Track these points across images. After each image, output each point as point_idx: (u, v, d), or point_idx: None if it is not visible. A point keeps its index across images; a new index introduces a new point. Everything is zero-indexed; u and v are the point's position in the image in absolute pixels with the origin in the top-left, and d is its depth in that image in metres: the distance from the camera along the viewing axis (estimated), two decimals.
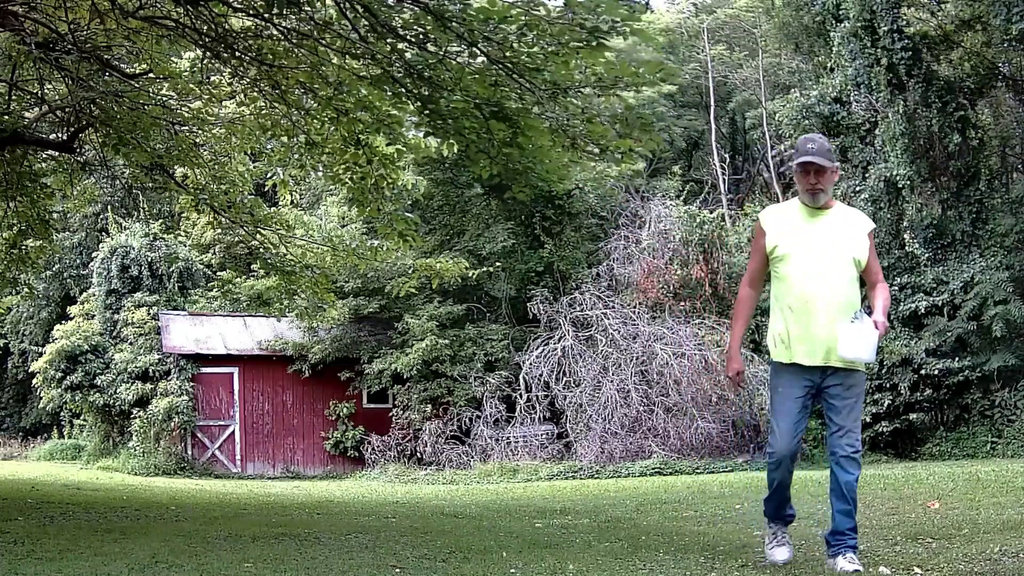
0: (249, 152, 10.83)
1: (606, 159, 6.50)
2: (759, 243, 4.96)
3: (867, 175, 18.85)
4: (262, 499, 11.20)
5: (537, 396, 18.41)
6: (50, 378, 21.24)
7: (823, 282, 4.70)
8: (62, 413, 25.30)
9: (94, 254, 23.73)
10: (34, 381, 22.50)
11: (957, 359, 17.22)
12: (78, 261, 27.87)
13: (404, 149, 8.44)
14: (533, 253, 20.97)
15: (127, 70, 8.82)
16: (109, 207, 24.87)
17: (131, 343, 21.12)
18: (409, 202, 18.05)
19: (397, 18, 6.12)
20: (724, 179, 28.54)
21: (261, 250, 10.70)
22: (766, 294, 5.27)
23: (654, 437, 17.29)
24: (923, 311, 17.71)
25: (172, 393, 19.94)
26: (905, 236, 18.33)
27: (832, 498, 4.66)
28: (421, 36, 6.12)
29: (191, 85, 8.79)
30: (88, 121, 9.05)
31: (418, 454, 19.18)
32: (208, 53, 7.95)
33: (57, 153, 10.22)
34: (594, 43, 5.44)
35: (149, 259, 22.18)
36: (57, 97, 9.06)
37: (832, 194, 4.88)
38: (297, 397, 21.21)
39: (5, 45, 8.22)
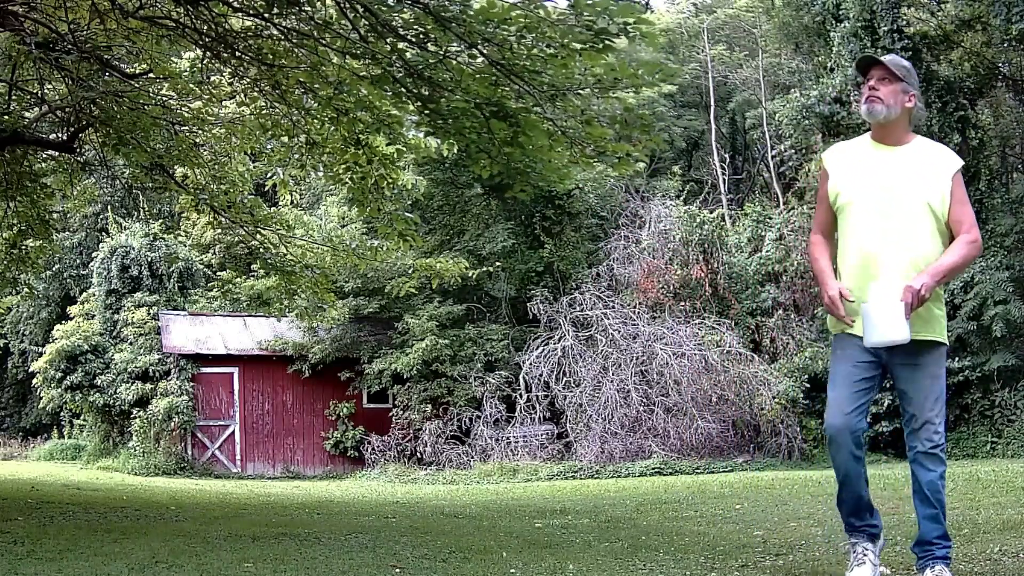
0: (249, 152, 10.83)
1: (605, 162, 6.50)
2: (823, 190, 4.13)
3: None
4: (262, 499, 11.20)
5: (537, 396, 18.41)
6: (50, 378, 21.24)
7: (888, 237, 3.85)
8: (62, 413, 25.31)
9: (94, 254, 23.73)
10: (34, 381, 22.50)
11: (957, 359, 17.23)
12: (78, 261, 27.87)
13: (404, 149, 8.45)
14: (533, 253, 20.97)
15: (127, 70, 8.82)
16: (109, 207, 24.88)
17: (131, 343, 21.12)
18: (409, 202, 18.05)
19: (397, 18, 6.12)
20: (724, 179, 28.55)
21: (261, 250, 10.70)
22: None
23: (654, 437, 17.29)
24: None
25: (172, 393, 19.95)
26: None
27: (915, 501, 3.96)
28: (421, 36, 6.12)
29: (191, 85, 8.79)
30: (88, 121, 9.05)
31: (418, 454, 19.18)
32: (208, 53, 7.95)
33: (57, 153, 10.22)
34: (600, 45, 5.43)
35: (149, 259, 22.18)
36: (57, 97, 9.06)
37: (910, 128, 4.00)
38: (297, 397, 21.21)
39: (5, 45, 8.23)
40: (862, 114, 3.98)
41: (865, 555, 4.00)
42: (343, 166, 8.82)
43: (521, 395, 18.59)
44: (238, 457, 20.58)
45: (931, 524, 3.90)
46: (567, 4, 5.65)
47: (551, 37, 5.63)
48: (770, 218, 21.73)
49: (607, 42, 5.41)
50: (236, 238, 11.93)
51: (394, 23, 6.13)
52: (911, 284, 3.71)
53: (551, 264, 20.76)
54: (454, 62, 6.19)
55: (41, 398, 22.38)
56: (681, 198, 22.76)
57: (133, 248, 22.15)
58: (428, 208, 21.06)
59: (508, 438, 18.35)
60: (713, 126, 29.77)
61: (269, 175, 12.26)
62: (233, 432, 20.70)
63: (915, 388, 3.91)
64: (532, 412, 18.48)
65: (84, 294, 24.01)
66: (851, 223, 3.95)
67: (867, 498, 4.03)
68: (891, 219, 3.85)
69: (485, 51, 5.94)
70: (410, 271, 12.97)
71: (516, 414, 18.62)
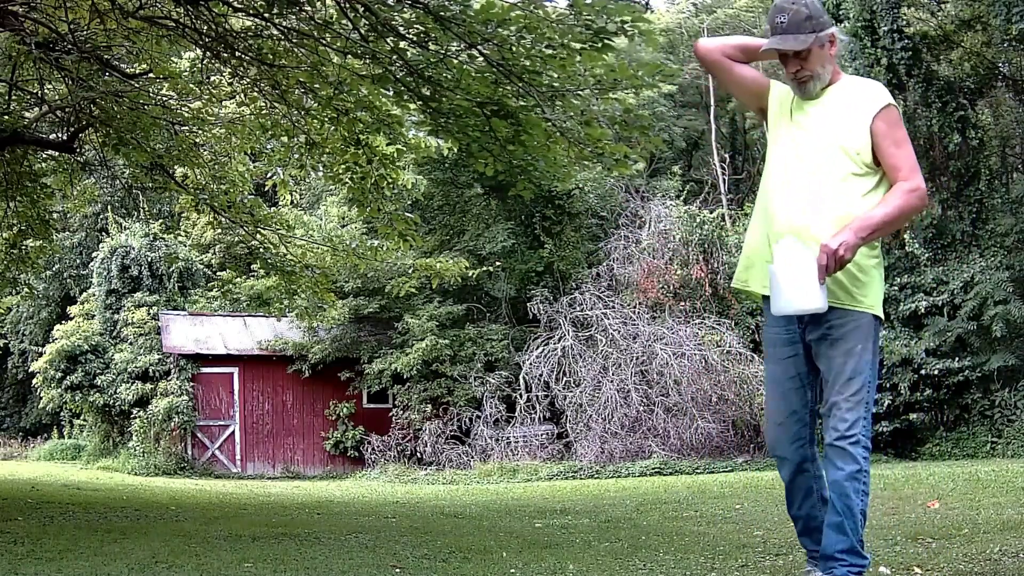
0: (249, 152, 10.83)
1: (603, 163, 6.51)
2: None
3: None
4: (262, 499, 11.20)
5: (537, 396, 18.41)
6: (50, 378, 21.24)
7: (798, 189, 3.32)
8: (62, 413, 25.31)
9: (94, 254, 23.73)
10: (34, 381, 22.50)
11: (957, 359, 17.23)
12: (78, 261, 27.87)
13: (404, 149, 8.45)
14: (533, 253, 20.97)
15: (127, 70, 8.82)
16: (109, 207, 24.87)
17: (131, 343, 21.12)
18: (409, 202, 18.06)
19: (397, 18, 6.13)
20: (724, 179, 28.54)
21: (261, 250, 10.70)
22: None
23: (654, 437, 17.29)
24: (923, 311, 17.72)
25: (172, 393, 19.95)
26: (905, 236, 18.32)
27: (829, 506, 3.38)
28: (422, 35, 6.12)
29: (191, 85, 8.79)
30: (88, 121, 9.05)
31: (418, 454, 19.18)
32: (208, 53, 7.95)
33: (57, 153, 10.22)
34: (599, 44, 5.43)
35: (149, 259, 22.18)
36: (57, 97, 9.06)
37: (835, 67, 3.46)
38: (297, 397, 21.21)
39: (5, 45, 8.22)
40: (797, 94, 3.46)
41: None
42: (343, 166, 8.82)
43: (521, 395, 18.59)
44: (238, 457, 20.59)
45: (834, 535, 3.26)
46: (566, 4, 5.66)
47: (551, 37, 5.63)
48: None
49: (606, 41, 5.41)
50: (236, 238, 11.93)
51: (394, 23, 6.13)
52: (828, 243, 3.11)
53: (551, 264, 20.76)
54: (455, 62, 6.19)
55: (41, 398, 22.38)
56: (681, 198, 22.76)
57: (133, 248, 22.15)
58: (428, 208, 21.05)
59: (508, 438, 18.35)
60: (713, 126, 29.77)
61: (269, 175, 12.25)
62: (233, 432, 20.70)
63: (827, 366, 3.31)
64: (532, 412, 18.48)
65: (84, 294, 24.00)
66: (766, 173, 3.46)
67: (823, 519, 3.42)
68: (802, 169, 3.31)
69: (485, 51, 5.94)
70: (410, 271, 12.97)
71: (516, 414, 18.62)
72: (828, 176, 3.27)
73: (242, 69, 7.96)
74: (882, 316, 3.35)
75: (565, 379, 18.41)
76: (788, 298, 3.19)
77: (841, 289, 3.25)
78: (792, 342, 3.38)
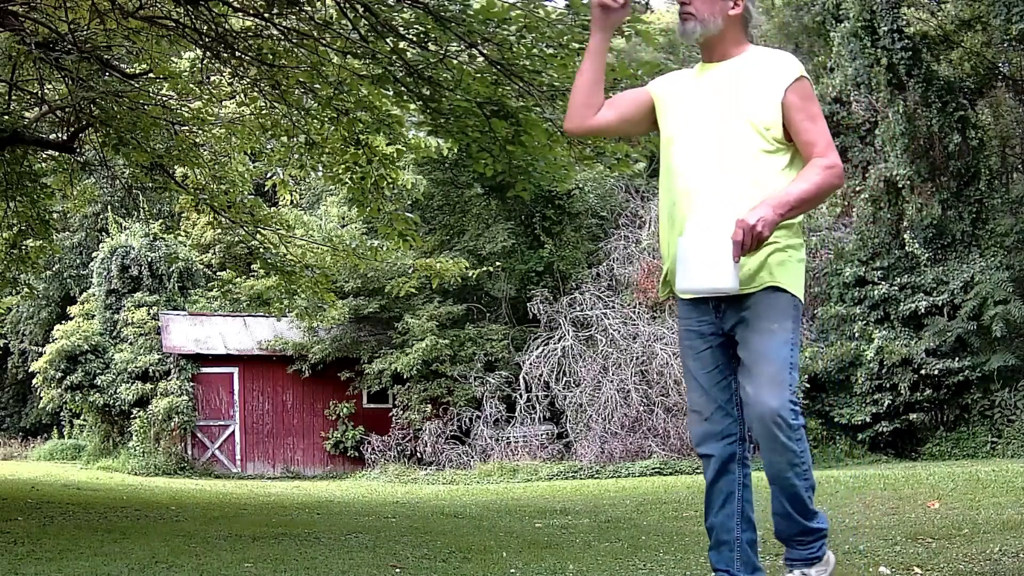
0: (249, 152, 10.83)
1: (603, 163, 6.51)
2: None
3: (867, 175, 18.87)
4: (262, 499, 11.20)
5: (537, 396, 18.41)
6: (50, 378, 21.25)
7: (707, 167, 3.04)
8: (62, 413, 25.32)
9: (94, 254, 23.74)
10: (34, 381, 22.50)
11: (957, 359, 17.23)
12: (78, 261, 27.87)
13: (404, 149, 8.45)
14: (533, 253, 20.98)
15: (127, 70, 8.82)
16: (109, 207, 24.88)
17: (131, 343, 21.13)
18: (409, 202, 18.06)
19: (397, 18, 6.13)
20: None
21: (261, 250, 10.70)
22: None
23: (654, 437, 17.29)
24: (923, 311, 17.72)
25: (172, 393, 19.95)
26: (905, 236, 18.34)
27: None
28: (421, 35, 6.12)
29: (191, 85, 8.79)
30: (88, 121, 9.05)
31: (418, 454, 19.18)
32: (208, 53, 7.95)
33: (57, 153, 10.22)
34: None
35: (149, 259, 22.19)
36: (57, 97, 9.06)
37: (745, 37, 3.18)
38: (297, 397, 21.21)
39: (5, 45, 8.22)
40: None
41: None
42: (343, 166, 8.82)
43: (521, 395, 18.59)
44: (238, 457, 20.59)
45: (782, 522, 3.17)
46: (565, 4, 5.66)
47: (550, 37, 5.64)
48: None
49: None
50: (236, 238, 11.93)
51: (394, 23, 6.13)
52: (744, 218, 2.84)
53: (551, 264, 20.76)
54: (454, 62, 6.20)
55: (41, 398, 22.39)
56: None
57: (133, 248, 22.16)
58: (428, 208, 21.06)
59: (508, 438, 18.36)
60: None
61: (269, 175, 12.27)
62: (233, 432, 20.70)
63: (746, 351, 3.05)
64: (532, 412, 18.48)
65: (84, 294, 24.01)
66: (670, 162, 3.16)
67: (738, 536, 3.21)
68: (710, 146, 3.04)
69: (485, 51, 5.94)
70: (410, 271, 12.98)
71: (516, 414, 18.62)
72: (738, 153, 3.00)
73: (242, 69, 7.96)
74: (801, 299, 3.11)
75: (565, 379, 18.41)
76: (697, 275, 2.89)
77: (758, 270, 3.02)
78: (707, 334, 3.13)
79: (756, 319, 3.03)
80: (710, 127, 3.05)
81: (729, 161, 3.01)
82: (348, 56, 6.94)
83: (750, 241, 2.85)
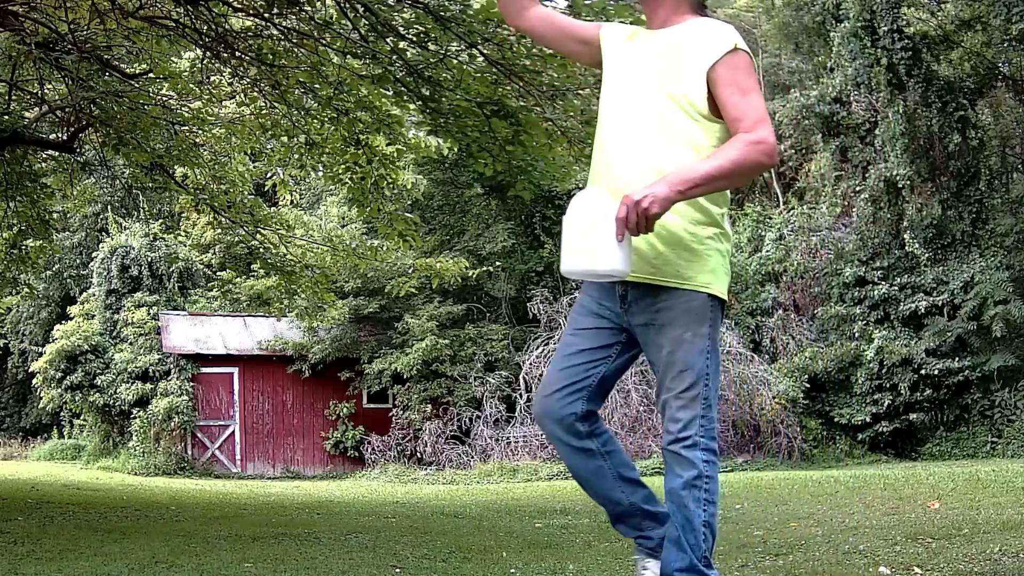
0: (249, 152, 10.83)
1: None
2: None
3: (867, 175, 18.87)
4: (262, 499, 11.20)
5: None
6: (50, 378, 21.25)
7: (624, 140, 2.81)
8: (62, 413, 25.32)
9: (94, 254, 23.74)
10: (34, 381, 22.50)
11: (957, 359, 17.23)
12: (78, 261, 27.88)
13: (404, 149, 8.45)
14: (533, 253, 20.98)
15: (127, 70, 8.82)
16: (109, 207, 24.89)
17: (131, 343, 21.13)
18: (409, 202, 18.06)
19: (397, 18, 6.13)
20: None
21: (261, 250, 10.70)
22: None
23: (654, 437, 17.29)
24: (923, 311, 17.72)
25: (172, 393, 19.95)
26: (905, 236, 18.34)
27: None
28: (421, 35, 6.12)
29: (191, 85, 8.79)
30: (88, 121, 9.05)
31: (418, 454, 19.18)
32: (208, 53, 7.95)
33: (57, 153, 10.22)
34: None
35: (149, 259, 22.19)
36: (57, 97, 9.06)
37: (689, 5, 2.90)
38: (297, 397, 21.21)
39: (5, 45, 8.22)
40: None
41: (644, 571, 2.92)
42: (343, 166, 8.82)
43: (521, 395, 18.59)
44: (238, 457, 20.59)
45: (673, 550, 2.76)
46: (566, 4, 5.65)
47: None
48: (770, 218, 21.74)
49: None
50: (236, 238, 11.92)
51: (394, 23, 6.13)
52: (631, 194, 2.52)
53: (551, 264, 20.76)
54: (454, 61, 6.20)
55: (41, 398, 22.39)
56: None
57: (133, 248, 22.16)
58: (428, 208, 21.06)
59: (508, 438, 18.36)
60: None
61: (269, 175, 12.26)
62: (233, 432, 20.70)
63: (655, 357, 2.81)
64: (532, 412, 18.49)
65: (84, 294, 24.01)
66: (601, 123, 2.93)
67: (629, 501, 2.93)
68: (629, 118, 2.81)
69: (485, 51, 5.94)
70: (410, 271, 12.98)
71: (516, 414, 18.62)
72: (662, 128, 2.75)
73: (242, 69, 7.96)
74: (723, 296, 2.82)
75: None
76: (576, 256, 2.57)
77: (668, 264, 2.73)
78: (603, 317, 2.87)
79: (668, 324, 2.75)
80: (637, 97, 2.81)
81: (652, 135, 2.75)
82: (348, 56, 6.94)
83: (635, 219, 2.50)
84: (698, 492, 2.73)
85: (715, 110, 2.74)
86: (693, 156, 2.71)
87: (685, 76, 2.74)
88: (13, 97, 9.10)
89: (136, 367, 20.57)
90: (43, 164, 10.62)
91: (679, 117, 2.74)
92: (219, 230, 12.11)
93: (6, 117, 8.48)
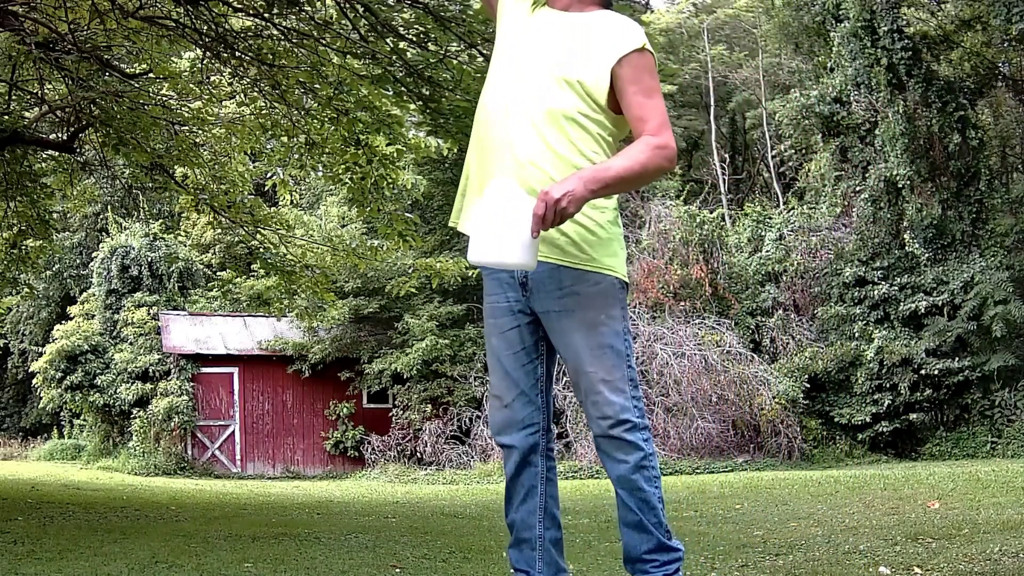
0: (249, 152, 10.83)
1: None
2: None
3: (867, 175, 18.87)
4: (262, 499, 11.20)
5: None
6: (50, 378, 21.26)
7: (511, 114, 2.75)
8: (62, 413, 25.32)
9: (94, 254, 23.75)
10: (34, 381, 22.51)
11: (957, 359, 17.23)
12: (78, 261, 27.88)
13: (404, 149, 8.45)
14: None
15: (127, 70, 8.82)
16: (109, 207, 24.89)
17: (131, 343, 21.13)
18: (409, 202, 18.07)
19: (397, 18, 6.13)
20: (724, 179, 28.55)
21: (261, 250, 10.70)
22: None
23: (654, 437, 17.27)
24: (923, 311, 17.73)
25: (172, 393, 19.95)
26: (905, 236, 18.34)
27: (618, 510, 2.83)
28: (421, 36, 6.13)
29: (191, 85, 8.79)
30: (88, 121, 9.05)
31: (418, 454, 19.19)
32: (208, 53, 7.95)
33: (57, 153, 10.22)
34: None
35: (149, 259, 22.20)
36: (57, 97, 9.06)
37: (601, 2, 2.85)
38: (297, 397, 21.21)
39: (5, 45, 8.22)
40: None
41: None
42: (343, 166, 8.82)
43: None
44: (238, 457, 20.59)
45: (635, 535, 2.78)
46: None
47: None
48: (770, 218, 21.74)
49: None
50: (236, 238, 11.93)
51: (394, 23, 6.13)
52: (549, 190, 2.50)
53: None
54: (454, 62, 6.19)
55: (41, 398, 22.39)
56: (681, 198, 22.77)
57: (133, 248, 22.17)
58: (428, 208, 21.07)
59: None
60: (713, 126, 29.77)
61: (269, 175, 12.26)
62: (233, 432, 20.70)
63: (566, 343, 2.77)
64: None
65: (84, 294, 24.02)
66: (487, 90, 2.88)
67: (540, 534, 2.89)
68: (519, 100, 2.74)
69: (485, 51, 5.94)
70: (410, 271, 12.98)
71: None
72: (555, 110, 2.69)
73: (242, 69, 7.96)
74: (626, 279, 2.82)
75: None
76: (488, 247, 2.56)
77: (573, 246, 2.70)
78: (514, 311, 2.82)
79: (577, 309, 2.72)
80: (532, 77, 2.74)
81: (547, 118, 2.69)
82: (348, 56, 6.94)
83: (552, 216, 2.51)
84: (647, 472, 2.78)
85: (612, 104, 2.72)
86: (590, 147, 2.70)
87: (590, 66, 2.69)
88: (13, 97, 9.10)
89: (136, 367, 20.57)
90: (43, 164, 10.62)
91: (578, 105, 2.70)
92: (219, 230, 12.11)
93: (6, 117, 8.48)
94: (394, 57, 6.37)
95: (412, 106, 7.13)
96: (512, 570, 2.94)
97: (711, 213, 20.98)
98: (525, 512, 2.90)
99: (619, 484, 2.78)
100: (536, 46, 2.79)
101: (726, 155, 30.34)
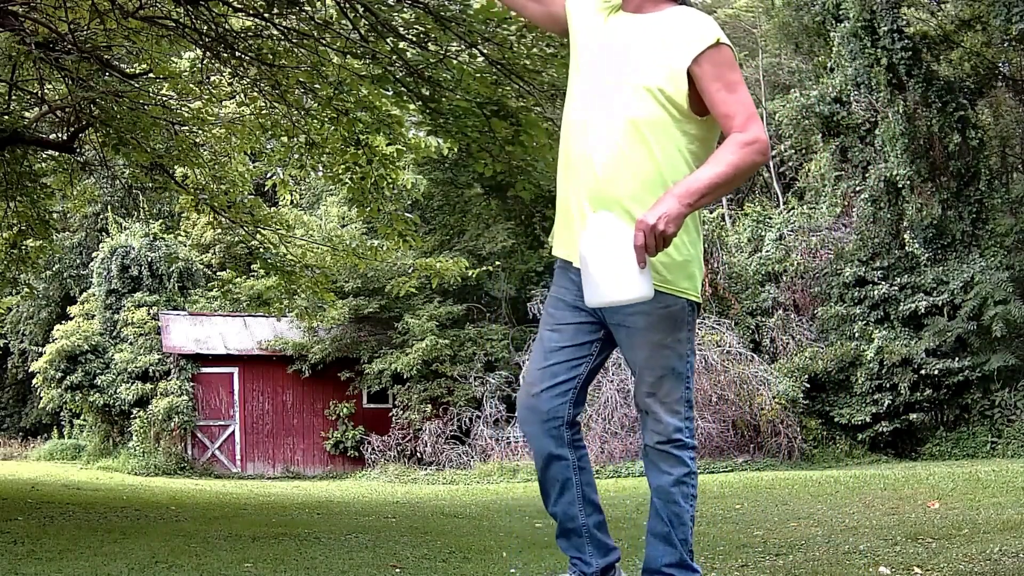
0: (249, 152, 10.83)
1: None
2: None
3: (867, 175, 18.87)
4: (262, 499, 11.20)
5: None
6: (50, 378, 21.26)
7: (591, 128, 2.71)
8: (62, 413, 25.32)
9: (94, 254, 23.75)
10: (34, 381, 22.52)
11: (957, 359, 17.23)
12: (78, 261, 27.89)
13: (404, 149, 8.45)
14: (533, 253, 20.98)
15: (127, 70, 8.82)
16: (109, 207, 24.89)
17: (131, 343, 21.13)
18: (409, 202, 18.07)
19: (397, 18, 6.13)
20: None
21: (261, 250, 10.70)
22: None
23: None
24: (923, 311, 17.73)
25: (172, 393, 19.95)
26: (905, 236, 18.34)
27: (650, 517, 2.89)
28: (421, 35, 6.12)
29: (191, 85, 8.79)
30: (88, 121, 9.05)
31: (418, 454, 19.18)
32: (208, 53, 7.95)
33: (57, 153, 10.22)
34: None
35: (149, 259, 22.20)
36: (57, 97, 9.06)
37: None
38: (297, 397, 21.21)
39: (5, 45, 8.22)
40: None
41: None
42: (343, 166, 8.82)
43: None
44: (238, 457, 20.59)
45: (660, 546, 2.80)
46: None
47: (551, 37, 5.63)
48: (770, 218, 21.75)
49: None
50: (236, 238, 11.92)
51: (394, 23, 6.13)
52: (644, 217, 2.45)
53: (551, 264, 20.71)
54: (454, 62, 6.19)
55: (41, 398, 22.40)
56: None
57: (133, 248, 22.17)
58: (428, 208, 21.07)
59: (508, 438, 18.36)
60: None
61: (269, 175, 12.26)
62: (233, 432, 20.70)
63: (632, 359, 2.81)
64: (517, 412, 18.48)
65: (84, 294, 24.02)
66: (570, 107, 2.83)
67: (583, 522, 2.93)
68: (600, 112, 2.69)
69: (485, 51, 5.94)
70: (410, 271, 12.97)
71: (516, 414, 18.63)
72: (636, 120, 2.64)
73: (242, 69, 7.96)
74: (699, 300, 2.81)
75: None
76: (604, 289, 2.53)
77: (650, 267, 2.64)
78: (580, 309, 2.79)
79: (645, 329, 2.72)
80: (612, 88, 2.69)
81: (630, 130, 2.65)
82: (348, 56, 6.94)
83: (654, 242, 2.47)
84: (687, 488, 2.81)
85: (695, 106, 2.67)
86: (677, 160, 2.66)
87: (665, 71, 2.64)
88: (13, 97, 9.10)
89: (136, 367, 20.57)
90: (43, 164, 10.62)
91: (661, 115, 2.65)
92: (219, 230, 12.11)
93: (6, 117, 8.48)
94: (394, 57, 6.37)
95: (412, 106, 7.12)
96: (570, 561, 3.01)
97: (711, 213, 21.00)
98: (564, 504, 2.94)
99: (656, 494, 2.81)
100: (613, 54, 2.73)
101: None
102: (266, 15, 6.82)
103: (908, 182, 17.90)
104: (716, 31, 2.67)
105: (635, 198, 2.61)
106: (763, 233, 21.06)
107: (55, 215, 12.60)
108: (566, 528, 2.96)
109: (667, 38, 2.67)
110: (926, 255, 18.03)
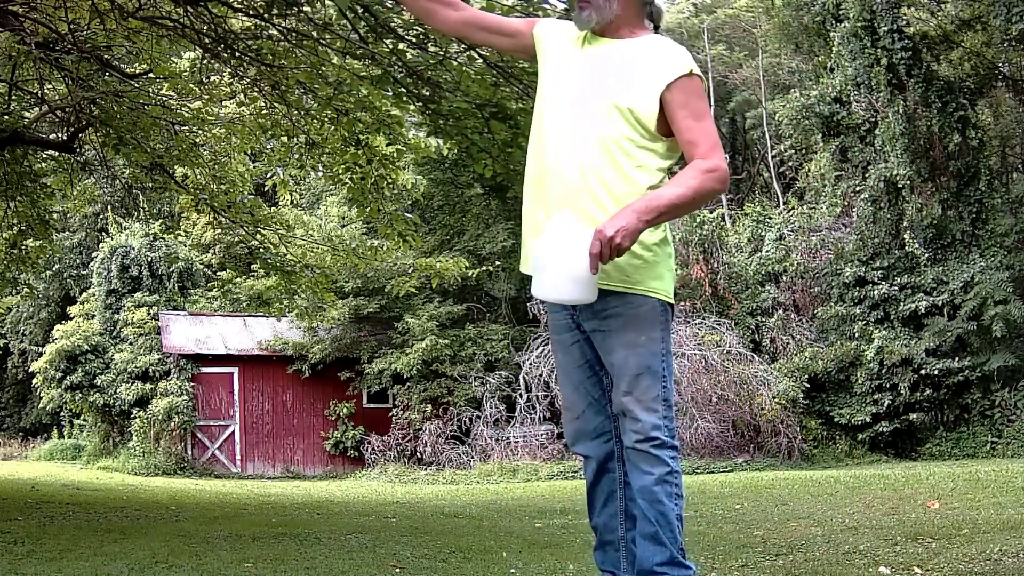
0: (249, 152, 10.83)
1: None
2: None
3: (867, 175, 18.87)
4: (262, 499, 11.20)
5: (537, 396, 18.41)
6: (50, 378, 21.25)
7: (561, 146, 2.82)
8: (62, 413, 25.32)
9: (94, 254, 23.75)
10: (34, 381, 22.52)
11: (957, 359, 17.24)
12: (78, 261, 27.89)
13: (404, 149, 8.45)
14: None
15: (127, 70, 8.82)
16: (109, 207, 24.89)
17: (131, 343, 21.13)
18: (409, 202, 18.06)
19: (397, 19, 6.13)
20: None
21: (261, 250, 10.70)
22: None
23: None
24: (923, 311, 17.73)
25: (172, 393, 19.95)
26: (905, 236, 18.34)
27: (636, 520, 2.91)
28: (421, 37, 6.12)
29: (191, 85, 8.79)
30: (88, 121, 9.05)
31: (418, 454, 19.19)
32: (208, 53, 7.95)
33: (57, 153, 10.22)
34: None
35: (149, 259, 22.20)
36: (57, 97, 9.06)
37: (644, 22, 2.93)
38: (297, 397, 21.21)
39: (5, 45, 8.22)
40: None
41: None
42: (343, 166, 8.82)
43: (521, 395, 18.60)
44: (238, 457, 20.59)
45: (650, 546, 2.83)
46: (564, 6, 5.66)
47: None
48: (770, 218, 21.75)
49: None
50: (236, 238, 11.92)
51: (394, 24, 6.13)
52: (603, 227, 2.57)
53: None
54: (454, 63, 6.19)
55: (41, 398, 22.40)
56: None
57: (133, 248, 22.17)
58: (428, 208, 21.07)
59: (508, 438, 18.36)
60: None
61: (269, 175, 12.26)
62: (233, 432, 20.70)
63: (609, 361, 2.87)
64: (532, 412, 18.48)
65: (84, 294, 24.02)
66: (541, 127, 2.91)
67: (622, 536, 3.02)
68: (582, 127, 2.79)
69: (484, 52, 5.94)
70: (410, 271, 12.97)
71: (516, 414, 18.62)
72: (609, 141, 2.76)
73: (242, 69, 7.96)
74: (671, 301, 2.88)
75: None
76: (550, 286, 2.68)
77: (617, 270, 2.77)
78: (572, 328, 2.94)
79: (619, 330, 2.81)
80: (584, 107, 2.81)
81: (598, 147, 2.77)
82: (348, 57, 6.94)
83: (608, 252, 2.58)
84: (670, 487, 2.84)
85: (661, 128, 2.78)
86: (642, 178, 2.77)
87: (640, 94, 2.75)
88: (13, 97, 9.10)
89: (136, 367, 20.57)
90: (43, 164, 10.62)
91: (629, 133, 2.77)
92: (219, 230, 12.11)
93: (6, 117, 8.49)
94: (394, 58, 6.37)
95: (412, 107, 7.13)
96: (600, 571, 3.08)
97: (711, 213, 20.99)
98: (607, 516, 3.04)
99: (641, 495, 2.85)
100: (588, 77, 2.84)
101: (726, 155, 30.35)
102: (266, 16, 6.82)
103: (908, 182, 17.91)
104: (690, 62, 2.80)
105: (604, 212, 2.71)
106: (763, 233, 21.06)
107: (55, 215, 12.61)
108: (605, 540, 3.05)
109: (642, 63, 2.79)
110: (926, 255, 18.03)
